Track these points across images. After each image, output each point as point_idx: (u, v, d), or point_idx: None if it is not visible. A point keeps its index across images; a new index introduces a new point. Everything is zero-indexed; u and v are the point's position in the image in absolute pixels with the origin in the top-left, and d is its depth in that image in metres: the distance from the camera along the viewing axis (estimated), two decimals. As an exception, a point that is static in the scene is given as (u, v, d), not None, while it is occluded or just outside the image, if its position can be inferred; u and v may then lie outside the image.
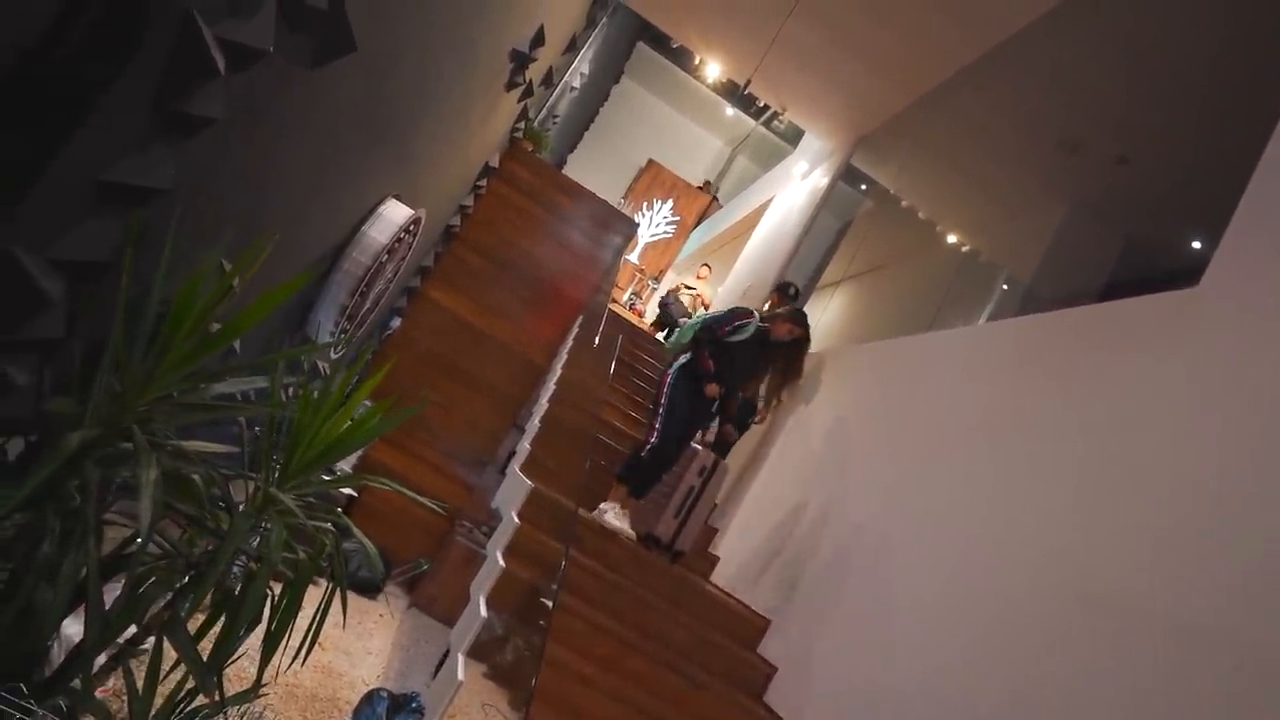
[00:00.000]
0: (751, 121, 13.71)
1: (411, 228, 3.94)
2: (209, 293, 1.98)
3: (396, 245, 3.83)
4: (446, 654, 4.93)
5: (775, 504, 4.64)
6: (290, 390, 2.41)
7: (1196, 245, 6.01)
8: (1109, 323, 3.16)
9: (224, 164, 2.12)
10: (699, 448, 4.47)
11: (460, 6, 3.08)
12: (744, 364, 4.51)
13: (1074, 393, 3.00)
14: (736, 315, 4.54)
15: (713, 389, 4.31)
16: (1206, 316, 2.59)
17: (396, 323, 6.65)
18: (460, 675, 2.64)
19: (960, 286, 7.42)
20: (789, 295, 5.94)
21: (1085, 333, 3.25)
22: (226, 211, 2.23)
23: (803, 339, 4.61)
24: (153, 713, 1.96)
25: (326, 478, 2.31)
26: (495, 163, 6.74)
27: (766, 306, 5.59)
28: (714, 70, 9.16)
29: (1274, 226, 2.59)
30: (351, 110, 2.67)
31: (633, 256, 13.07)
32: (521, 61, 4.59)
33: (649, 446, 4.29)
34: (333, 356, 3.74)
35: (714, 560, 4.93)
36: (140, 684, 1.91)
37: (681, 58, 13.26)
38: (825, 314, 8.61)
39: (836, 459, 4.42)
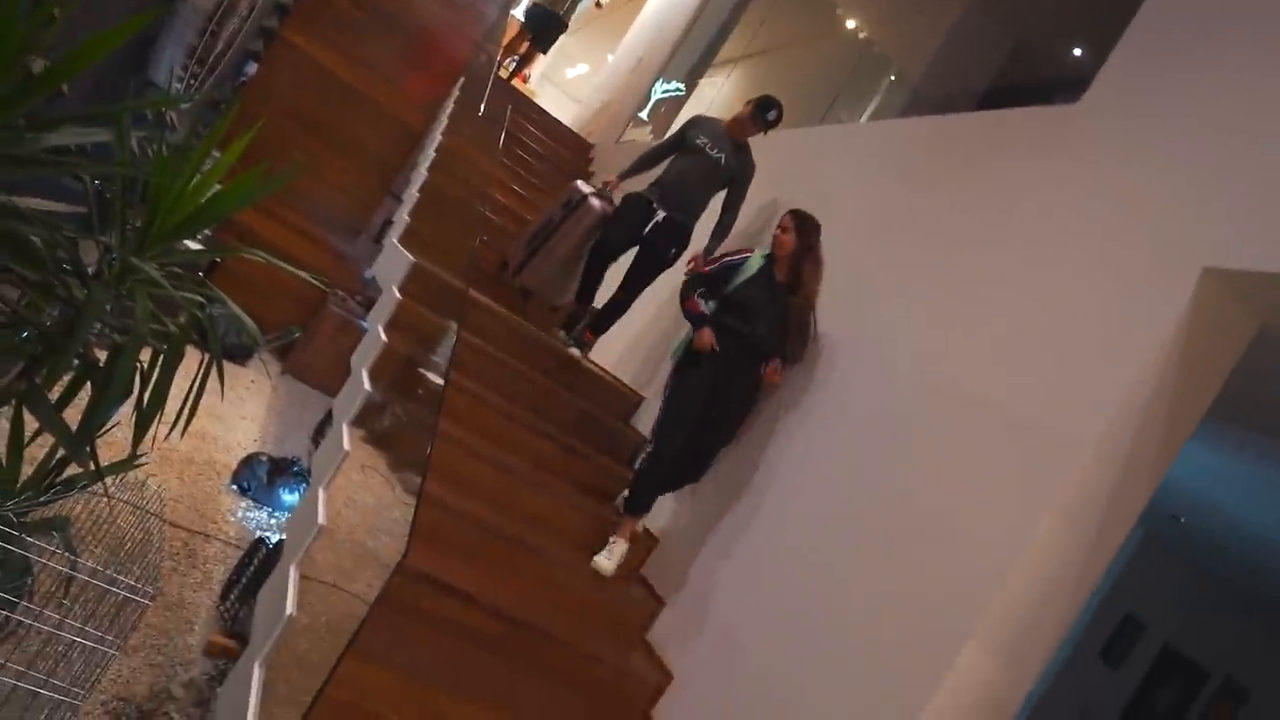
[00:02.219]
0: None
1: (267, -44, 3.40)
2: (25, 22, 1.68)
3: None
4: (324, 419, 4.99)
5: (651, 293, 4.67)
6: (137, 145, 2.16)
7: (1078, 53, 6.14)
8: (990, 132, 3.25)
9: None
10: (579, 183, 4.23)
11: None
12: (763, 314, 3.14)
13: (952, 200, 3.14)
14: (725, 256, 3.35)
15: (705, 336, 3.11)
16: (1083, 134, 2.71)
17: (252, 69, 5.92)
18: (346, 446, 2.69)
19: (855, 78, 7.34)
20: (765, 118, 3.91)
21: (967, 140, 3.34)
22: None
23: (804, 256, 3.12)
24: (21, 480, 1.91)
25: (192, 245, 2.15)
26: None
27: (728, 122, 4.01)
28: None
29: (1158, 51, 2.67)
30: None
31: (519, 12, 11.98)
32: None
33: (644, 454, 3.32)
34: (183, 106, 3.31)
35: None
36: (3, 456, 1.84)
37: None
38: (720, 92, 8.36)
39: (719, 248, 4.52)
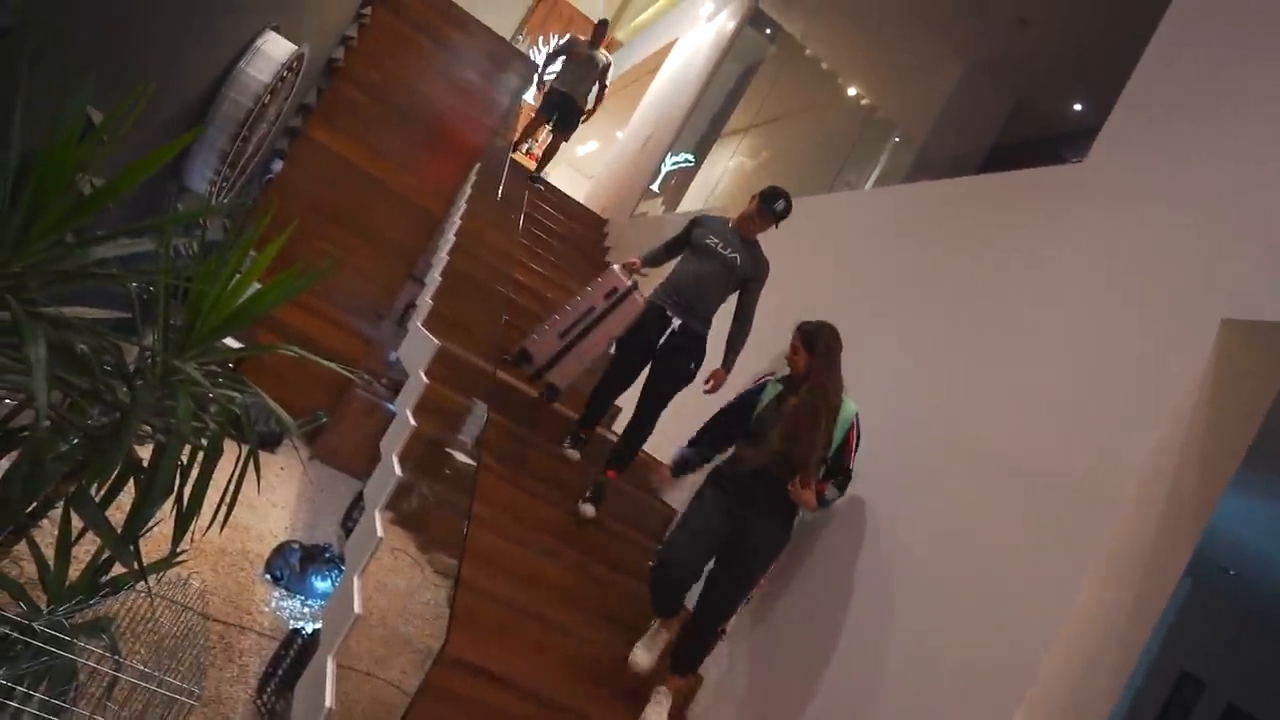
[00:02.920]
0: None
1: (294, 65, 3.60)
2: (77, 147, 1.79)
3: (279, 85, 3.51)
4: (353, 503, 5.02)
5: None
6: (178, 251, 2.26)
7: (1078, 108, 6.26)
8: (998, 194, 3.31)
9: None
10: (618, 267, 3.57)
11: None
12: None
13: (964, 264, 3.18)
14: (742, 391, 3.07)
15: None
16: (1091, 191, 2.76)
17: (277, 166, 6.18)
18: (379, 532, 2.71)
19: (861, 144, 7.50)
20: (774, 210, 3.42)
21: (976, 203, 3.41)
22: (83, 52, 1.98)
23: (821, 370, 2.83)
24: (68, 583, 1.95)
25: (231, 344, 2.23)
26: (379, -11, 6.13)
27: (735, 220, 3.51)
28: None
29: (1161, 104, 2.73)
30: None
31: (530, 97, 12.45)
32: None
33: (652, 566, 2.98)
34: (215, 206, 3.47)
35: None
36: (51, 559, 1.88)
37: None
38: (731, 162, 8.57)
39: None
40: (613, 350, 3.62)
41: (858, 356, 3.32)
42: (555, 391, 3.58)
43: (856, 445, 2.75)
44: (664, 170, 8.58)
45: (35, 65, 1.83)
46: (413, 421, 3.29)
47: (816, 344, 2.82)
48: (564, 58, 7.27)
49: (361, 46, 6.47)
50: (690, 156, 8.46)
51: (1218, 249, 2.20)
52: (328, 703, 2.12)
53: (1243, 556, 5.31)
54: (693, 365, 3.53)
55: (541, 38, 13.30)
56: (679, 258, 3.62)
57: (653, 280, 3.65)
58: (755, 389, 2.96)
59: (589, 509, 3.36)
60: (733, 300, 3.57)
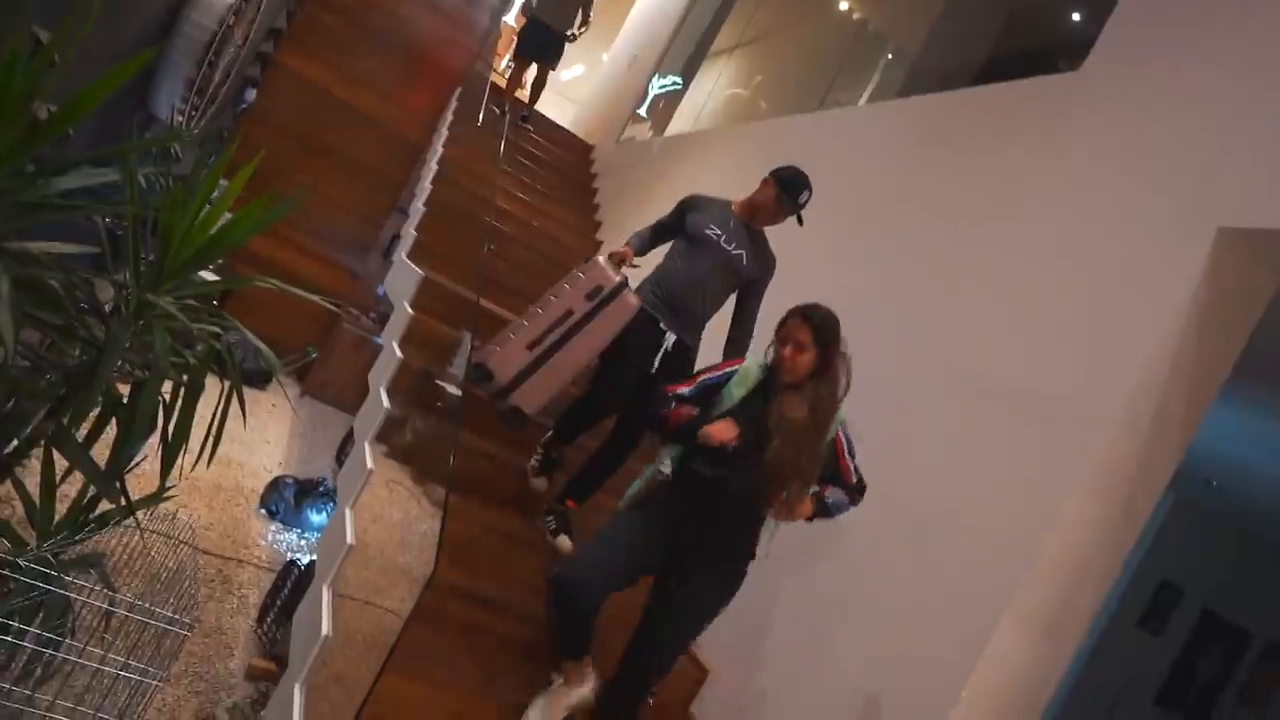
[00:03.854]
0: None
1: (258, -16, 3.43)
2: (27, 70, 1.71)
3: (243, 5, 3.35)
4: (346, 437, 5.04)
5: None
6: (145, 180, 2.19)
7: (1076, 17, 6.07)
8: (993, 106, 3.22)
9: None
10: (603, 259, 2.82)
11: None
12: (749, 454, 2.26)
13: (957, 178, 3.12)
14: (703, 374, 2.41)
15: (719, 429, 2.16)
16: (1088, 100, 2.68)
17: (251, 95, 5.98)
18: (369, 464, 2.71)
19: (851, 60, 7.28)
20: (796, 202, 2.77)
21: (970, 116, 3.32)
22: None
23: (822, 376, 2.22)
24: (56, 520, 1.95)
25: (207, 277, 2.18)
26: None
27: (739, 205, 2.87)
28: None
29: (1158, 11, 2.63)
30: None
31: (510, 18, 12.00)
32: None
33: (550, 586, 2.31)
34: (185, 138, 3.35)
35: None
36: (37, 497, 1.87)
37: None
38: (718, 83, 8.34)
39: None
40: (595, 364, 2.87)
41: (847, 274, 3.28)
42: (521, 419, 2.76)
43: (851, 453, 2.23)
44: (651, 93, 8.33)
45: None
46: (399, 353, 3.26)
47: (830, 339, 2.16)
48: None
49: (327, -34, 6.19)
50: (678, 79, 8.21)
51: (1214, 157, 2.15)
52: (324, 630, 2.16)
53: (1225, 467, 5.40)
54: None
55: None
56: (669, 246, 2.94)
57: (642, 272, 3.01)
58: (719, 376, 2.29)
59: (564, 540, 2.77)
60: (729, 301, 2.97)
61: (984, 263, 2.75)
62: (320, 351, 6.21)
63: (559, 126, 8.46)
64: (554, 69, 7.15)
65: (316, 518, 3.96)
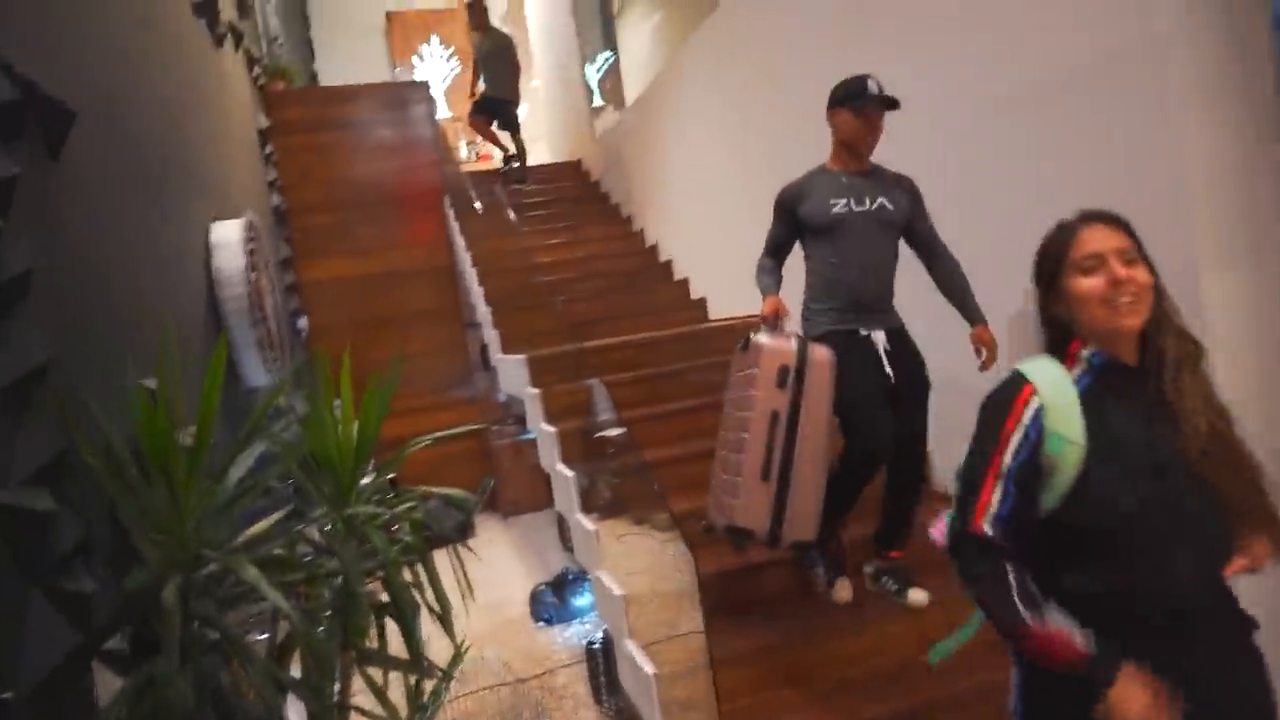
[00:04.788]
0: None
1: (250, 234, 3.75)
2: (155, 418, 1.97)
3: (252, 257, 3.67)
4: (560, 524, 5.33)
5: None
6: (285, 430, 2.45)
7: None
8: None
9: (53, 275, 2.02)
10: (765, 340, 2.36)
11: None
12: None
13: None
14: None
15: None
16: None
17: (303, 321, 6.46)
18: (590, 526, 2.90)
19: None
20: (863, 99, 2.42)
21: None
22: (85, 317, 2.14)
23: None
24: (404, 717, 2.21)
25: (372, 475, 2.42)
26: (264, 123, 6.21)
27: (834, 159, 2.56)
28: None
29: None
30: (123, 169, 2.46)
31: (442, 112, 12.34)
32: (208, 12, 4.11)
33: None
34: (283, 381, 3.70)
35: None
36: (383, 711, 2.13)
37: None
38: (651, 35, 8.27)
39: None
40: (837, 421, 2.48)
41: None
42: (809, 546, 2.47)
43: None
44: (594, 81, 8.36)
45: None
46: (552, 429, 3.45)
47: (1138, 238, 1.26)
48: (481, 68, 7.29)
49: (287, 179, 6.61)
50: (607, 53, 8.20)
51: None
52: (649, 670, 2.32)
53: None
54: (923, 368, 2.52)
55: (415, 55, 13.12)
56: (810, 251, 2.54)
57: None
58: (1019, 441, 1.22)
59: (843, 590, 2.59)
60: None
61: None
62: (494, 478, 6.60)
63: (542, 165, 8.64)
64: (517, 132, 7.52)
65: (582, 601, 4.21)
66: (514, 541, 5.98)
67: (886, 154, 2.52)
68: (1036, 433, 1.20)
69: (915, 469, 2.46)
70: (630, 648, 2.50)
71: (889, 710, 2.23)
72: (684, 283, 5.57)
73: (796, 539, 2.32)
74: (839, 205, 2.41)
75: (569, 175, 8.18)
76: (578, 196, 7.56)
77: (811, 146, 2.71)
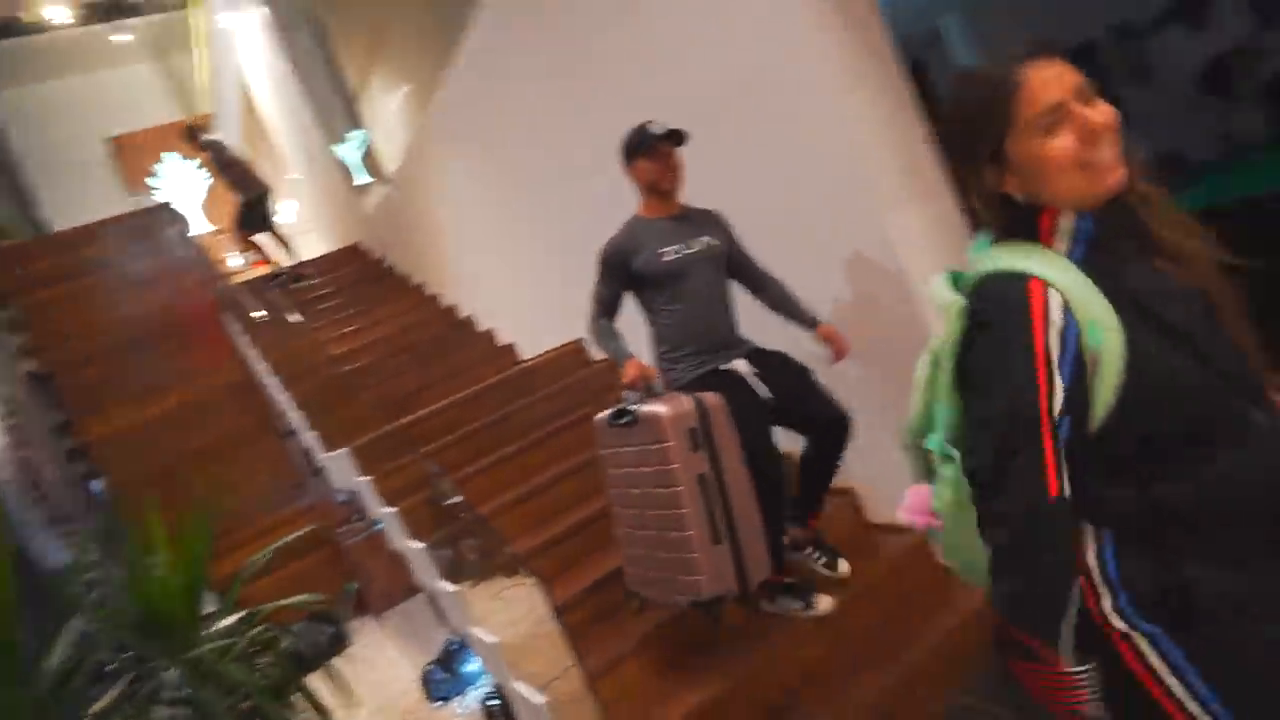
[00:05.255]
0: (135, 21, 11.79)
1: (7, 408, 3.48)
2: None
3: (15, 438, 3.42)
4: (432, 603, 5.25)
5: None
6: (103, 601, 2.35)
7: None
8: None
9: None
10: (658, 409, 2.22)
11: None
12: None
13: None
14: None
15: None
16: None
17: (97, 483, 5.94)
18: (450, 588, 2.96)
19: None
20: (649, 143, 2.47)
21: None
22: None
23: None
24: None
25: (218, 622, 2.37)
26: (-5, 287, 5.70)
27: (644, 207, 2.58)
28: (58, 10, 7.67)
29: None
30: None
31: (203, 227, 11.71)
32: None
33: None
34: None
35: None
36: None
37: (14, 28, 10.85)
38: (382, 101, 8.29)
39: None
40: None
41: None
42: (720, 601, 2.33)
43: None
44: (357, 161, 8.23)
45: None
46: (391, 508, 3.47)
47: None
48: (226, 182, 7.17)
49: (40, 341, 6.08)
50: (358, 132, 8.13)
51: None
52: (539, 700, 2.42)
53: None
54: (791, 360, 2.58)
55: (148, 178, 12.36)
56: (647, 304, 2.55)
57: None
58: (1062, 342, 0.95)
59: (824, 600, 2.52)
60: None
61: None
62: (356, 580, 6.35)
63: (320, 256, 8.44)
64: (273, 227, 7.37)
65: (472, 667, 4.20)
66: (394, 635, 5.81)
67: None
68: (1074, 335, 0.94)
69: (841, 440, 2.51)
70: (520, 689, 2.58)
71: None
72: (489, 334, 5.68)
73: (760, 579, 2.31)
74: (670, 253, 2.44)
75: (349, 260, 8.06)
76: (363, 278, 7.48)
77: (572, 176, 2.91)
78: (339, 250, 8.45)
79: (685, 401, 2.22)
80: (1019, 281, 0.96)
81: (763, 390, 2.46)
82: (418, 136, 6.02)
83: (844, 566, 2.64)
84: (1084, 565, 0.99)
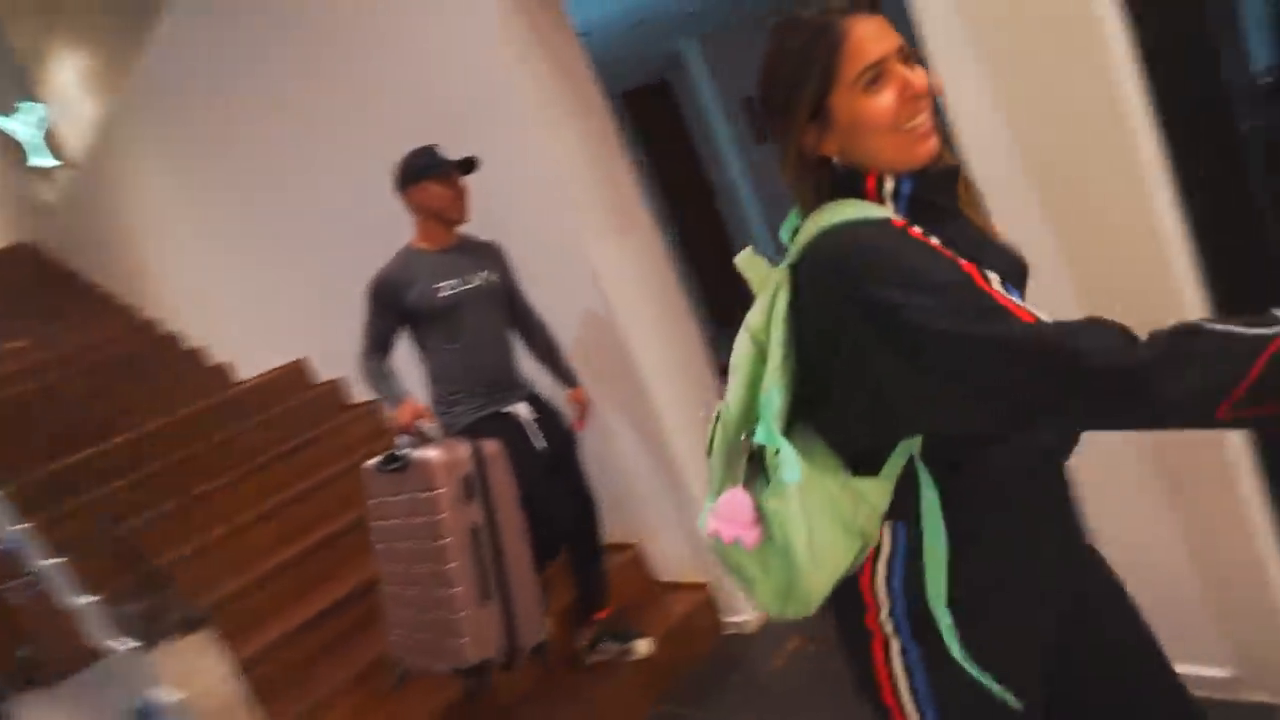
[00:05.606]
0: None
1: None
2: None
3: None
4: (108, 663, 4.60)
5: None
6: None
7: None
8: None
9: None
10: (430, 454, 2.04)
11: None
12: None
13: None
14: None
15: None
16: None
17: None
18: (128, 646, 2.61)
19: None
20: (436, 170, 2.33)
21: None
22: None
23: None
24: None
25: None
26: None
27: (421, 237, 2.40)
28: None
29: None
30: None
31: None
32: None
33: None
34: None
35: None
36: None
37: None
38: (69, 73, 7.14)
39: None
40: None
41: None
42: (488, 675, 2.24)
43: None
44: (25, 138, 6.89)
45: None
46: (58, 559, 2.98)
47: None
48: None
49: None
50: (33, 104, 6.73)
51: None
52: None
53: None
54: (564, 423, 2.50)
55: None
56: (422, 341, 2.37)
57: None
58: (888, 238, 0.89)
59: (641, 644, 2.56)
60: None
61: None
62: (26, 646, 5.39)
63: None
64: None
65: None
66: (75, 709, 4.99)
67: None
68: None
69: (593, 528, 2.48)
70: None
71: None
72: (196, 352, 5.10)
73: (531, 644, 2.14)
74: (447, 289, 2.27)
75: (18, 262, 6.85)
76: (35, 285, 6.40)
77: (297, 173, 2.67)
78: (2, 250, 7.15)
79: (461, 448, 2.04)
80: (879, 223, 0.88)
81: (541, 441, 2.35)
82: (110, 116, 5.09)
83: (643, 647, 2.54)
84: (869, 570, 0.95)
